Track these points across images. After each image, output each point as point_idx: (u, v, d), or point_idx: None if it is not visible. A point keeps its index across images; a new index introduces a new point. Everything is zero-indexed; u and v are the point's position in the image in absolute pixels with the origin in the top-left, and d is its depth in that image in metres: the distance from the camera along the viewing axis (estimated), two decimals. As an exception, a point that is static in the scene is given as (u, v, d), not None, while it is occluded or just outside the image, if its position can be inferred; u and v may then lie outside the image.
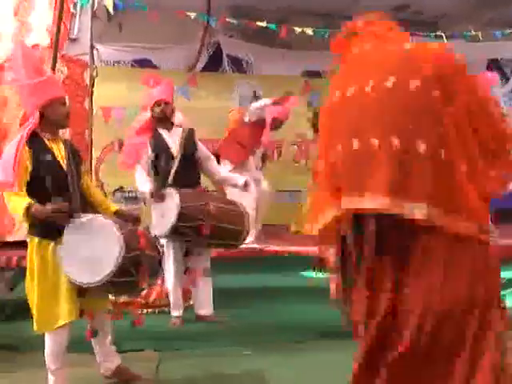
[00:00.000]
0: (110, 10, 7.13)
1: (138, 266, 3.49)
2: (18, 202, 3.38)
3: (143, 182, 5.08)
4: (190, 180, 5.07)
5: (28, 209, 3.33)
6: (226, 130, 7.91)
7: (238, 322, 5.22)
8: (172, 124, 5.25)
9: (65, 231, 3.46)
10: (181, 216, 4.69)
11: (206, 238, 4.81)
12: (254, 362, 4.52)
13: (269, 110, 7.24)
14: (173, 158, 5.07)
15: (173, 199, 4.77)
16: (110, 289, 3.60)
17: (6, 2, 5.90)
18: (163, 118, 5.18)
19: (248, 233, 5.14)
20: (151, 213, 5.08)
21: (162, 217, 4.82)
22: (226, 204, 5.12)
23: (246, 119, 7.33)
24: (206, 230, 4.75)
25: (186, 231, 4.75)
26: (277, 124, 7.38)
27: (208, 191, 5.44)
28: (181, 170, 5.03)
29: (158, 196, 4.93)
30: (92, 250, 3.42)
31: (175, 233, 4.76)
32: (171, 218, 4.70)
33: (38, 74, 3.67)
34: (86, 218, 3.51)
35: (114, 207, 4.00)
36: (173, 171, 5.00)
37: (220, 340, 4.93)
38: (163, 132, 5.19)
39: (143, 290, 3.98)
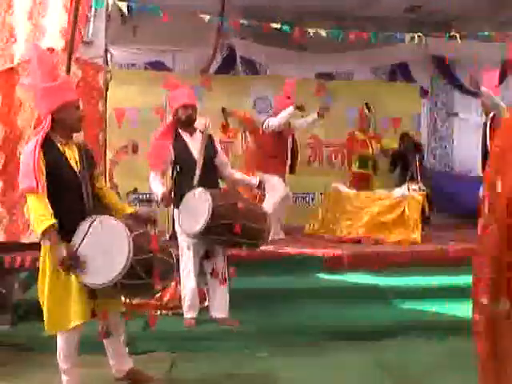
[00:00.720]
0: (124, 9, 7.15)
1: (149, 268, 3.45)
2: (41, 214, 3.40)
3: (157, 184, 5.07)
4: (212, 184, 5.05)
5: (48, 229, 3.38)
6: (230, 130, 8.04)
7: (252, 323, 5.21)
8: (194, 129, 5.25)
9: (76, 232, 3.47)
10: (213, 214, 4.66)
11: (235, 237, 4.80)
12: (267, 364, 4.52)
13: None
14: (195, 162, 5.06)
15: (204, 198, 4.75)
16: (121, 291, 3.58)
17: (21, 4, 5.93)
18: (188, 121, 5.18)
19: (269, 233, 5.16)
20: (176, 213, 5.06)
21: (193, 215, 4.78)
22: (250, 203, 5.18)
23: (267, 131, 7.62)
24: (238, 229, 4.72)
25: (217, 229, 4.73)
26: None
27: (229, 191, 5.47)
28: (203, 174, 5.02)
29: (167, 200, 4.93)
30: (102, 251, 3.41)
31: (207, 231, 4.73)
32: (204, 216, 4.66)
33: (51, 77, 3.68)
34: (97, 219, 3.52)
35: (130, 209, 4.01)
36: (197, 175, 4.99)
37: (233, 341, 4.92)
38: (185, 136, 5.19)
39: (157, 292, 3.96)
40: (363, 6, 9.73)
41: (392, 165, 9.35)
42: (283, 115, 7.42)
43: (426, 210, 7.61)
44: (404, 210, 7.40)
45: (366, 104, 9.01)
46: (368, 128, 9.02)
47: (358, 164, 8.89)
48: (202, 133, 5.23)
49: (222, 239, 4.85)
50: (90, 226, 3.47)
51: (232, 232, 4.73)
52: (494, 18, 9.76)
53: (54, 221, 3.40)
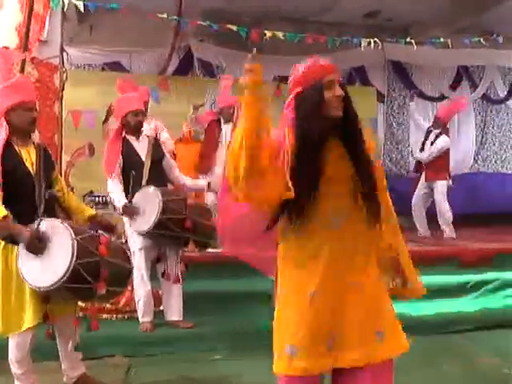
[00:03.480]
0: (81, 8, 6.99)
1: (96, 273, 3.37)
2: None
3: (118, 194, 5.03)
4: (160, 186, 5.04)
5: (1, 220, 3.31)
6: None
7: (210, 326, 5.19)
8: (141, 133, 5.24)
9: None
10: (164, 209, 4.68)
11: (188, 233, 4.81)
12: (226, 367, 4.51)
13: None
14: (143, 165, 5.04)
15: (153, 195, 4.77)
16: (67, 294, 3.49)
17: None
18: (137, 127, 5.16)
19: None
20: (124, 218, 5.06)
21: (144, 213, 4.80)
22: (199, 201, 5.23)
23: None
24: (189, 223, 4.75)
25: (169, 225, 4.73)
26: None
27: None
28: (151, 177, 5.02)
29: (130, 211, 4.90)
30: (47, 255, 3.33)
31: (159, 227, 4.73)
32: (155, 211, 4.68)
33: (7, 78, 3.62)
34: (45, 223, 3.42)
35: (90, 212, 3.96)
36: (145, 178, 4.98)
37: (191, 345, 4.90)
38: (132, 140, 5.16)
39: (106, 296, 3.80)
40: (323, 11, 9.79)
41: None
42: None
43: None
44: None
45: None
46: None
47: None
48: (148, 136, 5.24)
49: (174, 235, 4.83)
50: (36, 228, 3.39)
51: (183, 227, 4.76)
52: (449, 26, 9.93)
53: (6, 212, 3.33)
